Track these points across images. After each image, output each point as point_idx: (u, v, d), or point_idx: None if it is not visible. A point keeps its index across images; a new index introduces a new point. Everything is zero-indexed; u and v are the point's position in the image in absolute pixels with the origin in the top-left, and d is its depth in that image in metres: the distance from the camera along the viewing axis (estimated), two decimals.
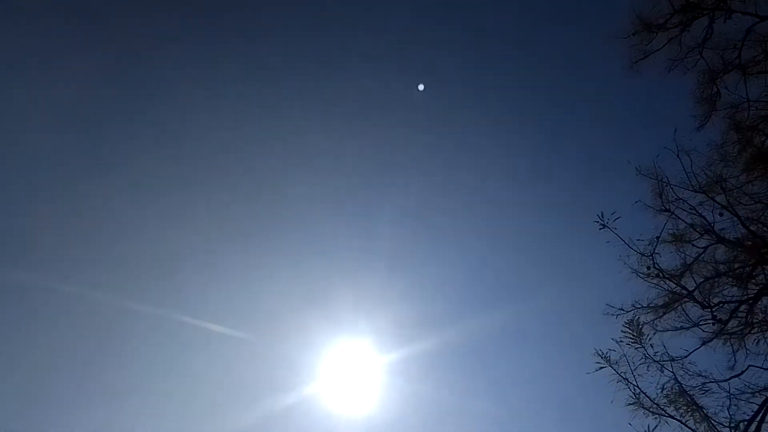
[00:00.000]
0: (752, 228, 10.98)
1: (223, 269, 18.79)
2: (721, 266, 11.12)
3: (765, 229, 11.11)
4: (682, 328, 10.88)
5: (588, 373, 10.27)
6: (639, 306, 11.06)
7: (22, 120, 17.06)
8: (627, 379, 10.06)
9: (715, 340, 10.69)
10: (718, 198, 11.17)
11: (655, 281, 11.06)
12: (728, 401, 9.86)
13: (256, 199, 19.11)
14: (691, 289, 10.95)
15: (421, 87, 17.89)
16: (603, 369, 10.24)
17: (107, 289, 17.45)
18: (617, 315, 10.99)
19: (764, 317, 10.69)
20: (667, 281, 11.01)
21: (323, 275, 18.20)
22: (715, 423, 9.74)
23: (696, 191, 11.23)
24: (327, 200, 19.07)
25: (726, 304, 10.80)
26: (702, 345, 10.65)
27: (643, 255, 11.06)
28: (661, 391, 10.02)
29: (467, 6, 18.32)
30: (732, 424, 9.68)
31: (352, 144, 18.88)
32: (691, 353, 10.47)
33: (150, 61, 18.19)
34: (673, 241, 11.31)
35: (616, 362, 10.21)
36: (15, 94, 17.00)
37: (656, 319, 10.99)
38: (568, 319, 17.40)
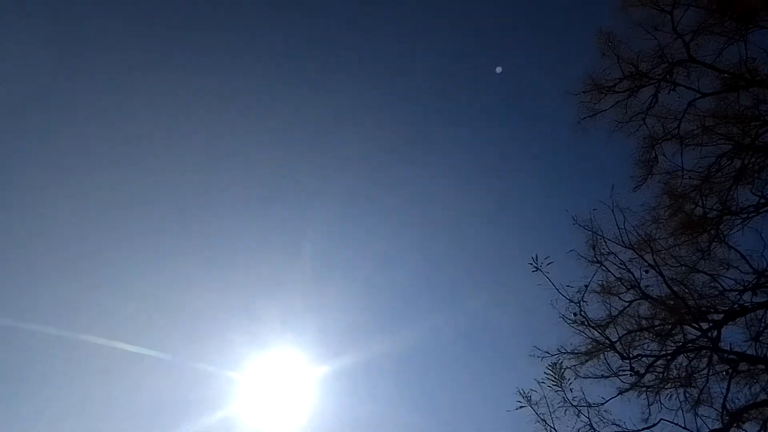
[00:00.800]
0: (675, 288, 11.50)
1: (135, 283, 17.85)
2: (644, 321, 11.59)
3: (687, 291, 11.66)
4: (602, 376, 11.22)
5: (509, 411, 10.41)
6: (563, 351, 11.37)
7: None
8: (545, 421, 10.22)
9: (631, 391, 11.05)
10: (646, 256, 11.68)
11: (580, 328, 11.39)
12: None
13: (172, 207, 18.44)
14: (613, 339, 11.32)
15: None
16: (523, 408, 10.40)
17: (16, 310, 16.44)
18: (542, 357, 11.26)
19: (679, 374, 11.13)
20: (592, 330, 11.36)
21: (246, 285, 17.70)
22: None
23: (626, 247, 11.73)
24: (248, 205, 18.62)
25: (644, 358, 11.23)
26: (618, 394, 10.99)
27: (571, 302, 11.38)
28: None
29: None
30: None
31: (271, 146, 18.65)
32: (607, 401, 10.78)
33: None
34: (600, 291, 11.73)
35: (537, 403, 10.38)
36: None
37: (578, 365, 11.32)
38: (496, 350, 17.53)
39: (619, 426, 10.43)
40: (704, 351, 11.18)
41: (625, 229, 11.60)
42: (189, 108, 18.47)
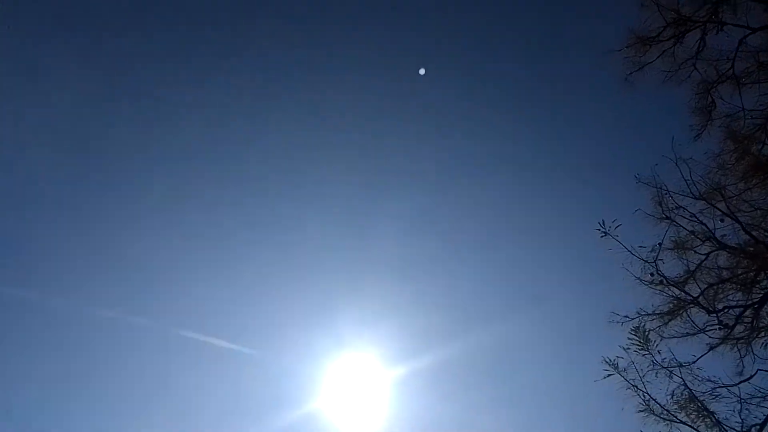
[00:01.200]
0: (754, 233, 11.02)
1: (221, 281, 18.58)
2: (725, 272, 11.12)
3: (766, 235, 11.16)
4: (688, 334, 10.82)
5: (596, 381, 10.18)
6: (644, 313, 11.01)
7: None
8: (636, 386, 9.98)
9: (722, 345, 10.63)
10: (718, 205, 11.22)
11: (659, 288, 11.03)
12: (739, 406, 9.78)
13: (254, 210, 19.06)
14: (695, 295, 10.93)
15: (422, 71, 17.64)
16: (611, 376, 10.17)
17: (103, 301, 17.38)
18: (622, 323, 10.92)
19: None
20: (672, 288, 10.99)
21: (326, 286, 18.04)
22: (726, 428, 9.65)
23: (696, 198, 11.29)
24: (328, 207, 18.93)
25: (731, 309, 10.78)
26: (709, 350, 10.58)
27: (646, 262, 11.04)
28: (671, 397, 9.95)
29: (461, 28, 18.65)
30: (744, 429, 9.60)
31: (349, 146, 18.86)
32: (698, 359, 10.41)
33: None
34: (674, 248, 11.32)
35: (624, 369, 10.15)
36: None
37: (662, 325, 10.92)
38: (575, 328, 17.16)
39: (714, 383, 10.06)
40: None
41: (692, 180, 11.16)
42: (263, 111, 19.04)
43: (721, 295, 10.98)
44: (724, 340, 10.61)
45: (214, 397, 17.53)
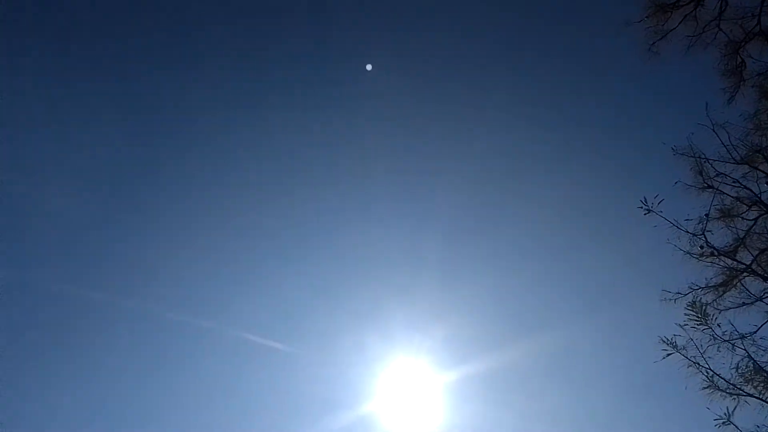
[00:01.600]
0: None
1: (276, 285, 19.10)
2: None
3: None
4: (744, 304, 10.46)
5: (656, 362, 9.89)
6: (697, 287, 10.68)
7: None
8: (698, 363, 9.66)
9: None
10: (761, 167, 10.85)
11: (710, 260, 10.69)
12: None
13: (305, 214, 19.25)
14: (747, 262, 10.58)
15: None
16: (670, 356, 9.86)
17: (154, 301, 17.90)
18: (675, 299, 10.61)
19: None
20: (723, 258, 10.64)
21: (380, 291, 18.06)
22: None
23: (738, 163, 10.92)
24: (382, 212, 18.95)
25: None
26: None
27: (694, 235, 10.70)
28: (736, 371, 9.62)
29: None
30: None
31: (398, 150, 18.80)
32: (759, 328, 10.05)
33: None
34: (721, 217, 10.97)
35: (684, 347, 9.84)
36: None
37: (717, 298, 10.59)
38: (631, 320, 16.73)
39: None
40: None
41: (731, 144, 10.80)
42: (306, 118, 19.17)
43: None
44: None
45: (272, 398, 18.08)
